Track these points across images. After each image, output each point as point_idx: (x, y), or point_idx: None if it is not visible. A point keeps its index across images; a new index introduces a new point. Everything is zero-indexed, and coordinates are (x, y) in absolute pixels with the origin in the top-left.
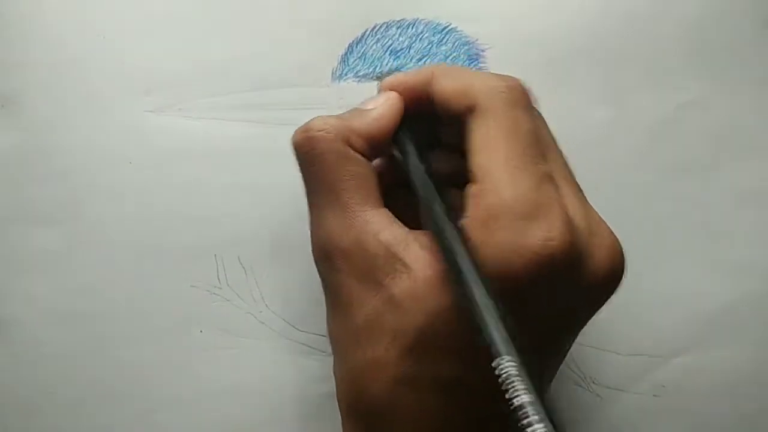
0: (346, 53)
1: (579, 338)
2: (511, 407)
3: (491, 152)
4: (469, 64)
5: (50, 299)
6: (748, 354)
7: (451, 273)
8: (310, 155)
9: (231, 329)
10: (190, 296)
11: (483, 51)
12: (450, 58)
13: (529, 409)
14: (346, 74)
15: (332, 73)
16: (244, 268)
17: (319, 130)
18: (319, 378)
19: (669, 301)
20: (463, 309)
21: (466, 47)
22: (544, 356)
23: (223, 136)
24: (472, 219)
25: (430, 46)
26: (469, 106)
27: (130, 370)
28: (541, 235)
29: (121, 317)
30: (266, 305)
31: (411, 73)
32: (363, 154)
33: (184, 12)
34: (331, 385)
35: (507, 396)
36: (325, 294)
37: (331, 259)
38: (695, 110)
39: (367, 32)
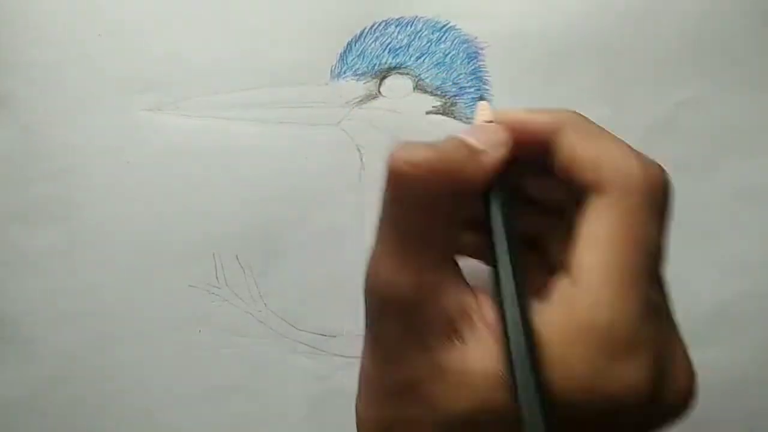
0: (344, 51)
1: None
2: None
3: (603, 254)
4: (468, 62)
5: (49, 299)
6: (747, 353)
7: (506, 366)
8: (404, 188)
9: (229, 328)
10: (189, 296)
11: (482, 49)
12: (449, 56)
13: None
14: (345, 72)
15: (331, 71)
16: (242, 267)
17: (423, 169)
18: (318, 377)
19: None
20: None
21: (464, 45)
22: None
23: (221, 134)
24: (554, 326)
25: (428, 44)
26: (596, 183)
27: (129, 370)
28: (626, 381)
29: (119, 317)
30: (265, 304)
31: (537, 115)
32: (456, 201)
33: (182, 11)
34: (329, 384)
35: None
36: (367, 333)
37: (384, 302)
38: (693, 108)
39: (366, 30)
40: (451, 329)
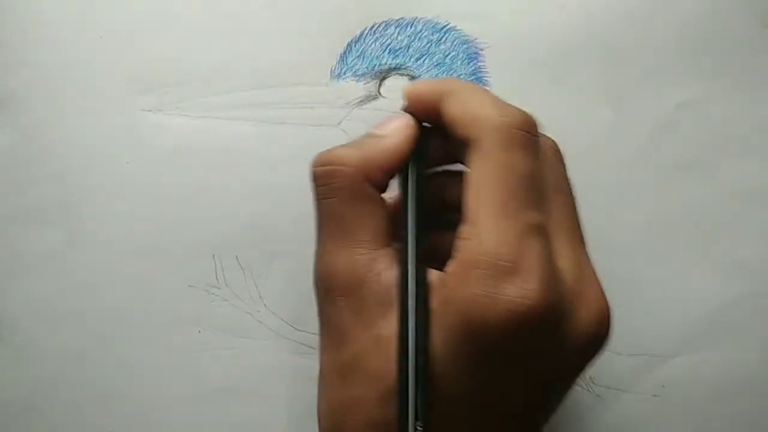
0: (345, 52)
1: None
2: None
3: (480, 194)
4: (468, 63)
5: (49, 299)
6: (747, 354)
7: (398, 324)
8: (328, 188)
9: (229, 329)
10: (189, 296)
11: (482, 50)
12: (449, 57)
13: None
14: (344, 73)
15: (331, 71)
16: (242, 267)
17: (340, 165)
18: (318, 377)
19: (669, 301)
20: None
21: (464, 46)
22: (528, 413)
23: (222, 135)
24: (453, 262)
25: (428, 44)
26: (469, 137)
27: (129, 370)
28: (516, 291)
29: (119, 317)
30: (264, 305)
31: (428, 84)
32: (380, 187)
33: (182, 11)
34: None
35: None
36: (320, 324)
37: (331, 292)
38: (695, 110)
39: (366, 31)
40: (389, 303)
